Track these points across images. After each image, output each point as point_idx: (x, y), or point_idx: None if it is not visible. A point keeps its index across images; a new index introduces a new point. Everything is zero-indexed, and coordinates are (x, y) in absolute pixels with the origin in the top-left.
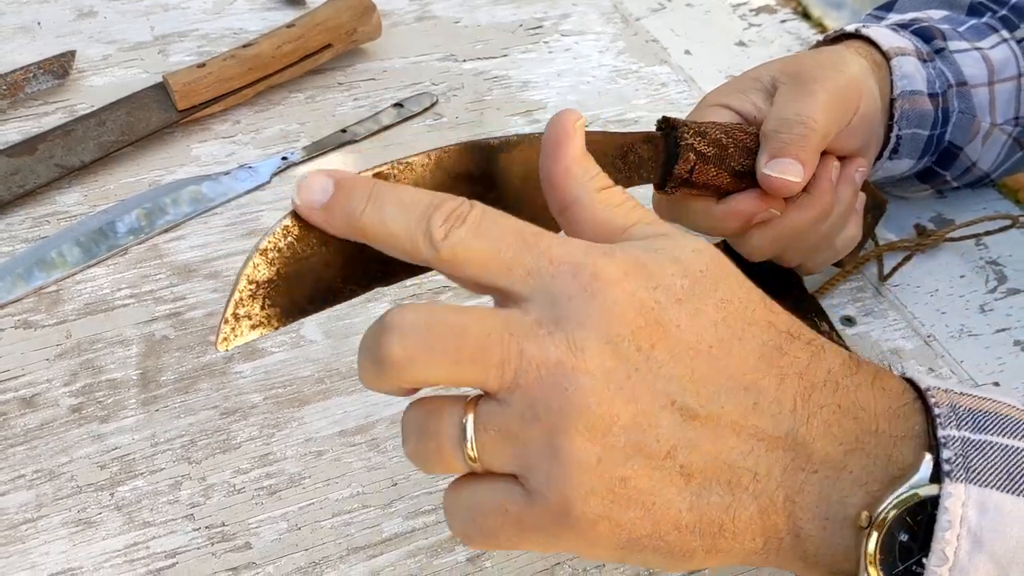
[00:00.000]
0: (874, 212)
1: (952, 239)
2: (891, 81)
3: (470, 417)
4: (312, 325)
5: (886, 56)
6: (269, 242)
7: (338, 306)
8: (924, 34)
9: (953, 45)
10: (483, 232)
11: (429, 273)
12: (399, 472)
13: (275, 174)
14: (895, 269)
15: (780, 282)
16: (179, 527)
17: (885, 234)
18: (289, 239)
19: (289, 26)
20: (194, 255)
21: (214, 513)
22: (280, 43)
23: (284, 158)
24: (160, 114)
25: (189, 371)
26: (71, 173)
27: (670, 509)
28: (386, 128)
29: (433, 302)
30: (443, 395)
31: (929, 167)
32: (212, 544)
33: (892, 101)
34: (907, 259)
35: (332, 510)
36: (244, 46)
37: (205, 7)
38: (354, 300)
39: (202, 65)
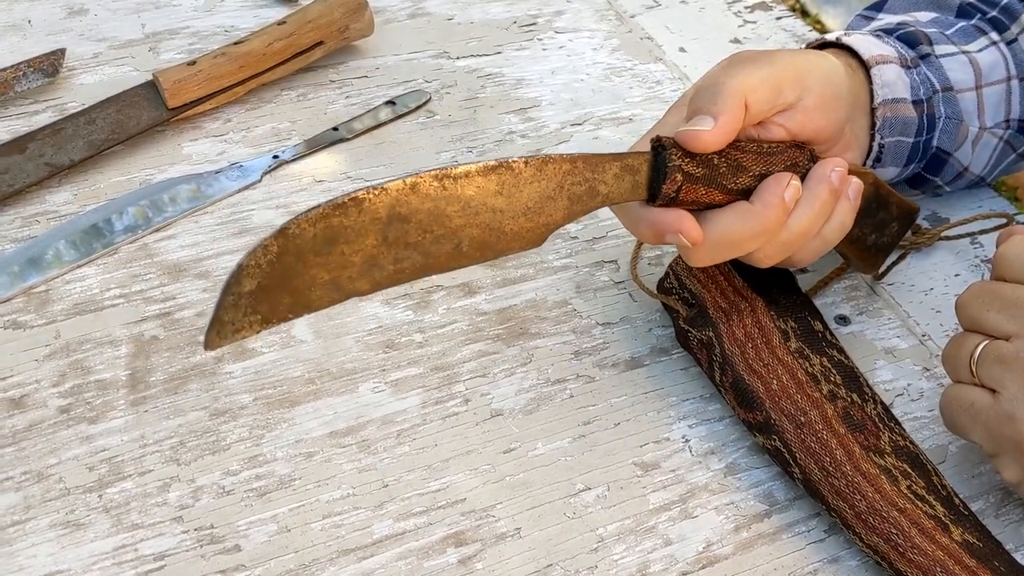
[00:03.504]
0: (901, 220)
1: (947, 238)
2: (871, 90)
3: (982, 344)
4: (303, 325)
5: (866, 65)
6: (252, 259)
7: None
8: (909, 39)
9: (940, 49)
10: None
11: None
12: (390, 473)
13: (266, 172)
14: (890, 268)
15: (773, 280)
16: (167, 529)
17: None
18: (269, 257)
19: (280, 23)
20: (184, 254)
21: (203, 515)
22: (271, 40)
23: (275, 156)
24: (150, 112)
25: (178, 372)
26: (61, 172)
27: None
28: (378, 126)
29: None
30: (974, 333)
31: (919, 173)
32: (201, 546)
33: (873, 110)
34: (902, 258)
35: (322, 512)
36: (235, 43)
37: (196, 4)
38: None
39: (193, 63)
